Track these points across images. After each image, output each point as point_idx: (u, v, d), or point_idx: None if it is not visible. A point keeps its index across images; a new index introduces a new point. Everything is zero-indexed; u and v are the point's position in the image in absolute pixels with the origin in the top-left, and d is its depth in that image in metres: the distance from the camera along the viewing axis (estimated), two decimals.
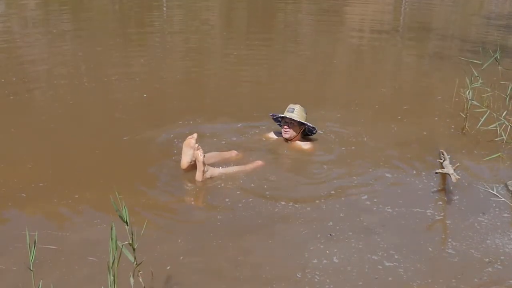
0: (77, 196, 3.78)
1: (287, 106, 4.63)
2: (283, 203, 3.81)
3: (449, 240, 3.43)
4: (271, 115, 4.80)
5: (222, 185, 4.04)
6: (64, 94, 6.20)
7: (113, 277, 2.53)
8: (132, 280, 2.68)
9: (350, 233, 3.45)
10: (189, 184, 4.06)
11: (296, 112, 4.55)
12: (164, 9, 14.06)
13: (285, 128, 4.61)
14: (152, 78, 6.98)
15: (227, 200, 3.84)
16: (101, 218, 3.49)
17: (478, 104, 5.10)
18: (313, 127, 4.64)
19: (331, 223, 3.55)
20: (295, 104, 4.62)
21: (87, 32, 10.53)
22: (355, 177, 4.23)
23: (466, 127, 5.17)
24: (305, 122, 4.59)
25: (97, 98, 6.15)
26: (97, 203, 3.68)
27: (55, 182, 3.99)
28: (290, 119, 4.56)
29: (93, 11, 13.83)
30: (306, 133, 4.75)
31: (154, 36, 10.49)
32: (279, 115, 4.63)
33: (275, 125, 4.93)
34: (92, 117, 5.44)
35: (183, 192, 4.03)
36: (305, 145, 4.68)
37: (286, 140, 4.67)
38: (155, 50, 9.10)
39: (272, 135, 4.86)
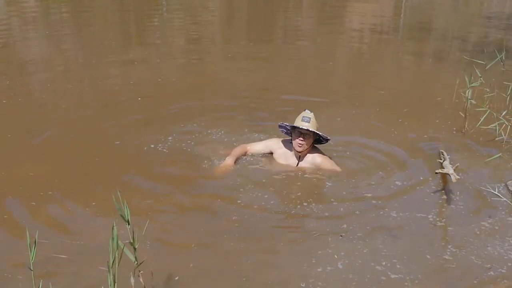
0: (94, 203, 3.72)
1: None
2: (293, 206, 3.80)
3: (449, 246, 3.36)
4: (281, 125, 4.31)
5: (232, 184, 4.03)
6: (58, 98, 6.15)
7: (113, 277, 2.53)
8: (132, 280, 2.68)
9: (359, 235, 3.43)
10: (194, 186, 4.05)
11: (312, 122, 4.04)
12: (164, 8, 14.05)
13: (301, 140, 4.08)
14: (148, 81, 6.94)
15: (239, 201, 3.83)
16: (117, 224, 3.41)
17: (475, 103, 5.11)
18: (327, 139, 4.20)
19: (342, 226, 3.53)
20: (308, 111, 4.13)
21: (85, 33, 10.54)
22: (358, 180, 4.20)
23: (466, 127, 5.16)
24: (321, 134, 4.12)
25: (92, 101, 6.09)
26: (106, 208, 3.62)
27: (62, 189, 3.91)
28: (308, 130, 4.04)
29: (93, 10, 13.83)
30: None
31: (152, 37, 10.50)
32: (294, 125, 4.10)
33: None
34: (87, 121, 5.35)
35: (187, 194, 4.00)
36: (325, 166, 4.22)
37: (297, 160, 4.25)
38: (152, 51, 9.09)
39: (280, 150, 4.36)
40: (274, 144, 4.42)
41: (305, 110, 4.18)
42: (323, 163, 4.25)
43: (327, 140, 4.24)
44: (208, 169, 4.24)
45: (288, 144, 4.34)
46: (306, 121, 4.04)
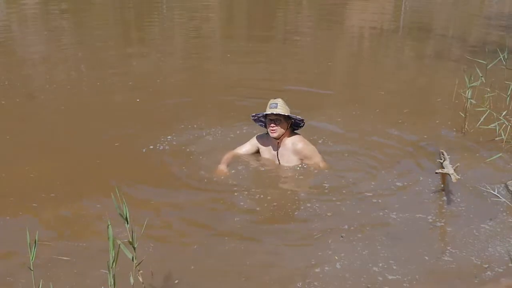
0: (96, 205, 3.72)
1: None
2: (294, 207, 3.80)
3: (448, 247, 3.36)
4: (254, 118, 4.37)
5: (233, 186, 4.04)
6: (57, 99, 6.14)
7: (112, 277, 2.53)
8: (131, 279, 2.68)
9: (359, 235, 3.43)
10: (195, 187, 4.05)
11: (280, 107, 4.10)
12: (164, 6, 14.06)
13: (272, 127, 4.15)
14: (146, 81, 6.92)
15: (242, 203, 3.83)
16: (118, 226, 3.41)
17: (475, 103, 5.10)
18: (300, 120, 4.22)
19: (343, 227, 3.53)
20: (276, 98, 4.20)
21: (84, 31, 10.53)
22: (358, 180, 4.20)
23: (466, 127, 5.16)
24: (292, 115, 4.15)
25: (91, 102, 6.08)
26: (107, 209, 3.58)
27: (63, 191, 3.91)
28: (277, 115, 4.10)
29: (93, 8, 13.82)
30: (294, 128, 4.32)
31: (151, 35, 10.48)
32: (262, 113, 4.20)
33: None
34: (87, 122, 5.33)
35: (187, 194, 4.00)
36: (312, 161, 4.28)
37: (277, 149, 4.30)
38: (152, 50, 9.08)
39: (262, 145, 4.41)
40: (258, 141, 4.48)
41: (275, 98, 4.23)
42: (304, 148, 4.27)
43: (301, 120, 4.25)
44: (206, 175, 4.21)
45: (267, 137, 4.38)
46: (273, 107, 4.10)
